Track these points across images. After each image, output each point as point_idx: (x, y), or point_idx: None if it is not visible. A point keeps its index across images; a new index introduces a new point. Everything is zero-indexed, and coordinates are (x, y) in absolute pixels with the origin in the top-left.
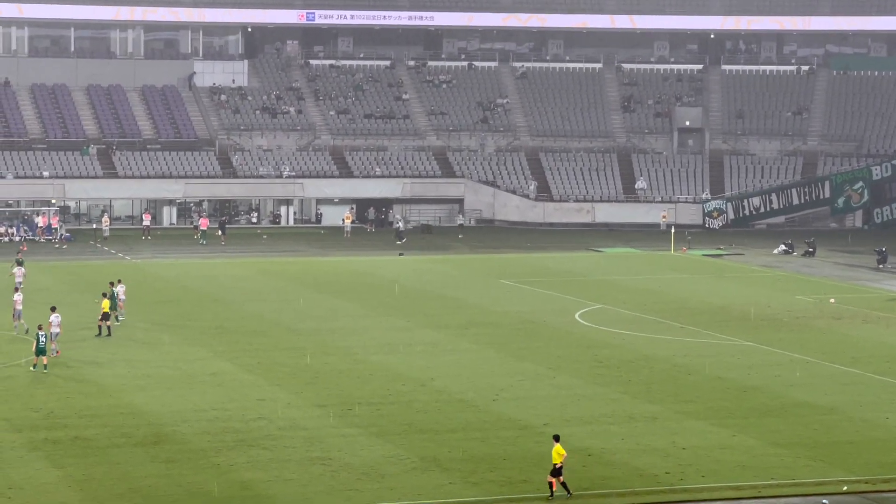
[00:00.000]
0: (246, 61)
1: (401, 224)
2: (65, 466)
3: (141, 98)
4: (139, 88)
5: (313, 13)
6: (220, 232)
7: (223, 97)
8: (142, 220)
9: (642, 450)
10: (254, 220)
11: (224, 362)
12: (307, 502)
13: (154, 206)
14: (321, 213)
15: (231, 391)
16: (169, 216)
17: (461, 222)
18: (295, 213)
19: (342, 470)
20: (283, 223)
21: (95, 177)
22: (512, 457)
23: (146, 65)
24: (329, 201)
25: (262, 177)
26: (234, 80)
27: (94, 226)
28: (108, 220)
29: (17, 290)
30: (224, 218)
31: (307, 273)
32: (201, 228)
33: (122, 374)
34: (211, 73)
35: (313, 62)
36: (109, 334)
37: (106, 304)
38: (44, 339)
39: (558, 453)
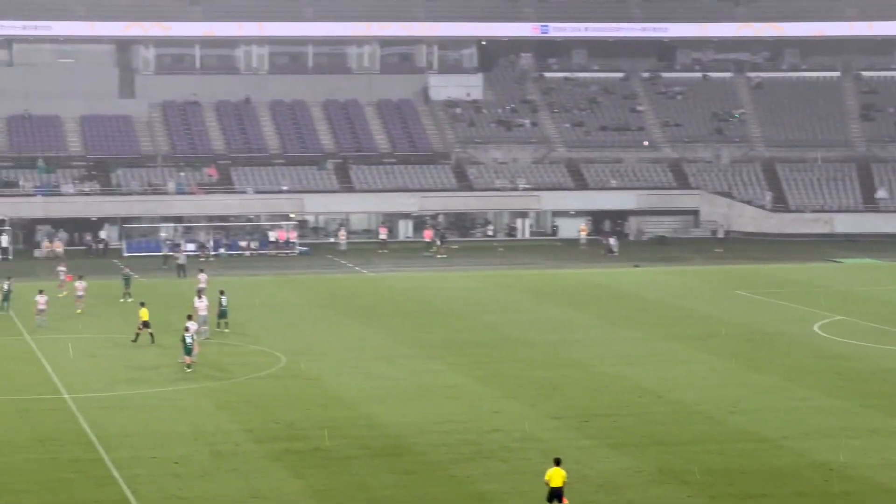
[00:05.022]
0: (481, 74)
1: (612, 242)
2: (305, 476)
3: (377, 112)
4: (375, 103)
5: (547, 26)
6: (438, 243)
7: (458, 110)
8: (378, 233)
9: (886, 464)
10: (489, 232)
11: (460, 374)
12: None
13: (390, 220)
14: (557, 226)
15: (467, 403)
16: (405, 229)
17: (720, 236)
18: (531, 226)
19: (578, 482)
20: (518, 236)
21: (333, 191)
22: (749, 470)
23: (382, 79)
24: (564, 213)
25: (497, 189)
26: (468, 94)
27: (331, 239)
28: (344, 233)
29: (199, 295)
30: (441, 230)
31: (542, 285)
32: (426, 240)
33: (361, 387)
34: (445, 87)
35: (547, 75)
36: (152, 341)
37: (144, 312)
38: (190, 341)
39: (559, 476)
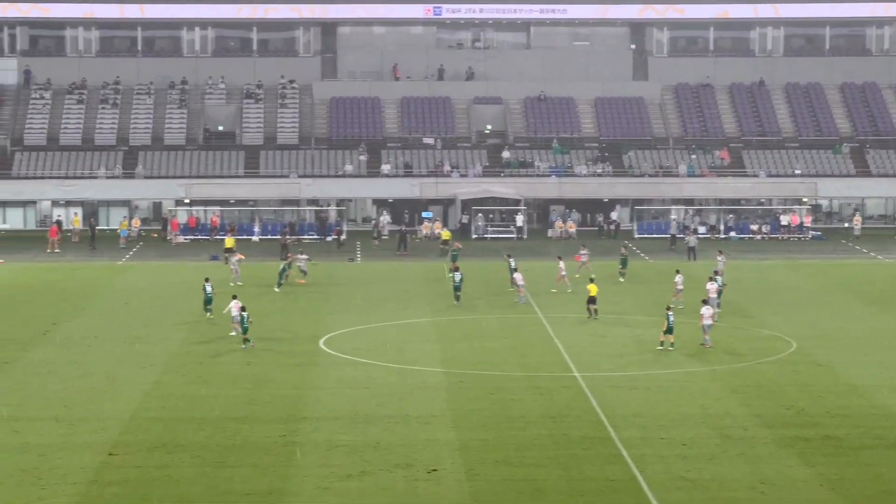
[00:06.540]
0: None
1: None
2: (815, 465)
3: (895, 95)
4: (895, 85)
5: None
6: None
7: None
8: (894, 219)
9: None
10: None
11: None
12: None
13: None
14: None
15: None
16: None
17: None
18: None
19: None
20: None
21: (847, 175)
22: None
23: None
24: None
25: None
26: None
27: (846, 224)
28: (859, 218)
29: (711, 278)
30: None
31: None
32: None
33: (875, 375)
34: None
35: None
36: (595, 317)
37: (593, 288)
38: (673, 320)
39: None
